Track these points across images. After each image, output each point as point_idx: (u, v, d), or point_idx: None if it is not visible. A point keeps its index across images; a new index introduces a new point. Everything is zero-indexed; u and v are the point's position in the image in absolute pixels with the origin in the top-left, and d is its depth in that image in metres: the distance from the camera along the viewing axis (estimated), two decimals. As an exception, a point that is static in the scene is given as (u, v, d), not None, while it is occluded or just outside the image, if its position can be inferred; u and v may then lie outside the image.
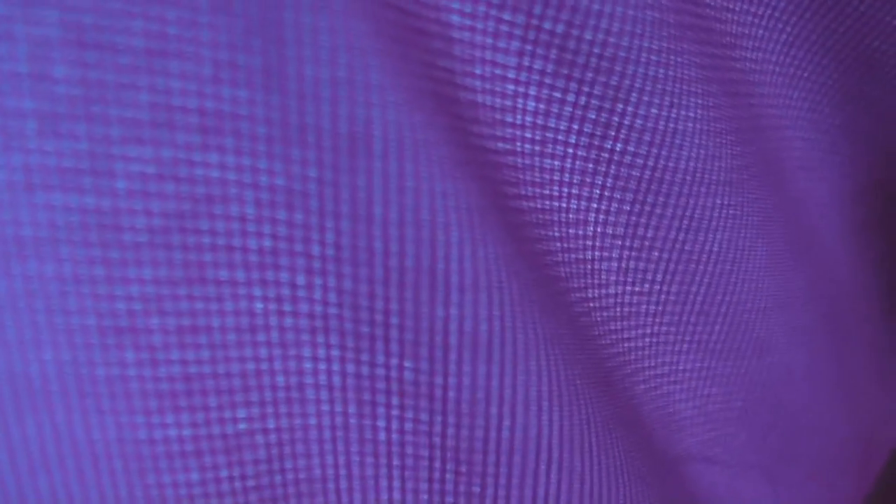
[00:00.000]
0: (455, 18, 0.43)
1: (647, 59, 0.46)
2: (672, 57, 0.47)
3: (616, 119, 0.47)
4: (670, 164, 0.49)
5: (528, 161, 0.46)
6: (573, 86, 0.46)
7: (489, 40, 0.43)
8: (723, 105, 0.51)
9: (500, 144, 0.45)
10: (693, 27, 0.49)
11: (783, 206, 0.58)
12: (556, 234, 0.48)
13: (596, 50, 0.45)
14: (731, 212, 0.53)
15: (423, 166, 0.39)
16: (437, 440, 0.43)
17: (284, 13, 0.36)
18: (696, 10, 0.49)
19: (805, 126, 0.60)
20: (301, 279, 0.39)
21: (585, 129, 0.47)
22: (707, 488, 0.60)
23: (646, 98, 0.47)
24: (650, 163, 0.49)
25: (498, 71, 0.44)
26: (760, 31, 0.55)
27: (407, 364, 0.42)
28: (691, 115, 0.49)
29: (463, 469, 0.44)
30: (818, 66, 0.59)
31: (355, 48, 0.37)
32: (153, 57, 0.35)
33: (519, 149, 0.46)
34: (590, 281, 0.50)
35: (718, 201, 0.52)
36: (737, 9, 0.53)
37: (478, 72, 0.44)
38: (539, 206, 0.47)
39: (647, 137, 0.48)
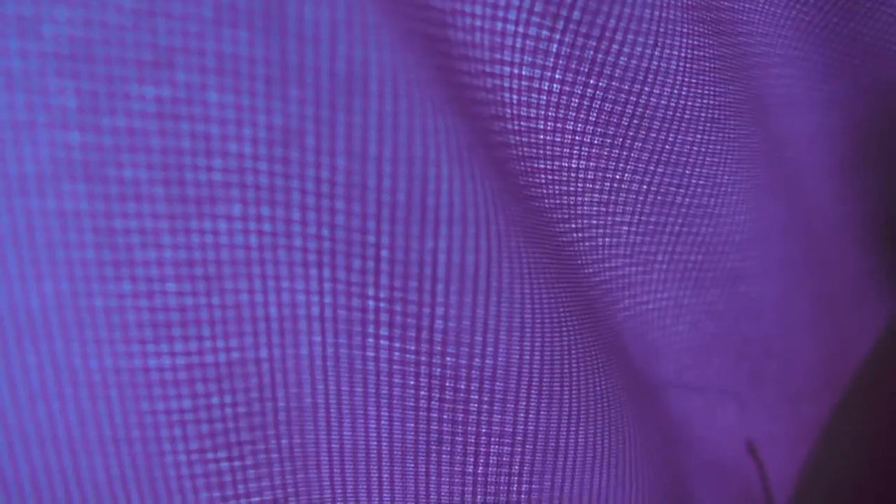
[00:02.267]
0: None
1: None
2: None
3: (602, 56, 0.48)
4: (652, 101, 0.50)
5: (516, 97, 0.47)
6: (561, 24, 0.46)
7: None
8: (709, 44, 0.52)
9: (490, 81, 0.46)
10: None
11: (767, 142, 0.59)
12: (542, 166, 0.49)
13: None
14: (711, 147, 0.54)
15: (415, 104, 0.40)
16: (423, 369, 0.45)
17: None
18: None
19: (791, 63, 0.60)
20: (296, 214, 0.40)
21: (572, 66, 0.47)
22: (683, 413, 0.62)
23: (631, 37, 0.48)
24: (633, 98, 0.50)
25: (488, 10, 0.45)
26: None
27: (396, 295, 0.43)
28: (675, 53, 0.49)
29: (448, 396, 0.45)
30: (804, 5, 0.59)
31: None
32: None
33: (507, 85, 0.46)
34: (574, 211, 0.51)
35: (700, 137, 0.53)
36: None
37: (468, 10, 0.44)
38: (526, 139, 0.48)
39: (631, 75, 0.49)
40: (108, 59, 0.35)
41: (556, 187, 0.50)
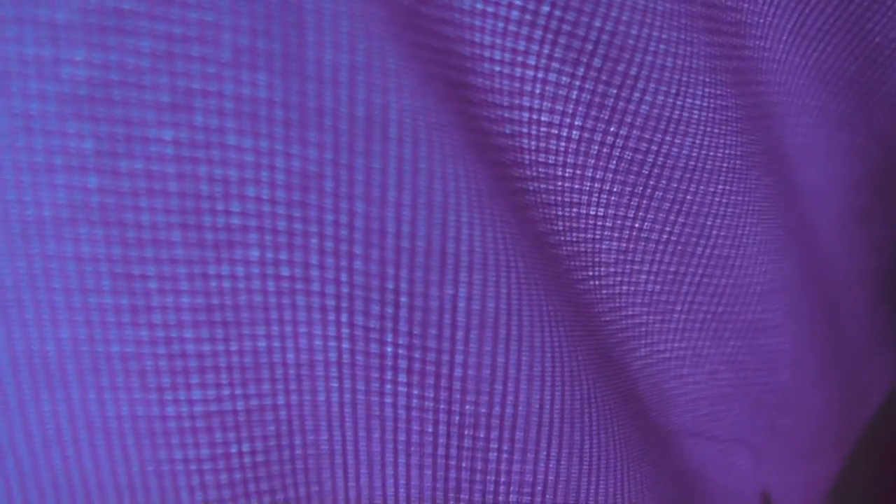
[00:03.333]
0: (467, 3, 0.43)
1: (655, 48, 0.47)
2: (682, 47, 0.48)
3: (623, 104, 0.48)
4: (674, 150, 0.50)
5: (536, 143, 0.47)
6: (581, 70, 0.46)
7: (500, 25, 0.44)
8: (731, 94, 0.52)
9: (510, 127, 0.45)
10: (705, 17, 0.49)
11: (784, 192, 0.59)
12: (562, 213, 0.48)
13: (605, 37, 0.46)
14: (732, 198, 0.54)
15: (435, 149, 0.40)
16: (442, 416, 0.44)
17: None
18: (709, 0, 0.50)
19: (808, 113, 0.60)
20: (314, 258, 0.40)
21: (592, 113, 0.47)
22: (698, 462, 0.61)
23: (653, 86, 0.48)
24: (654, 147, 0.49)
25: (508, 56, 0.44)
26: (768, 20, 0.55)
27: (415, 342, 0.42)
28: (697, 103, 0.49)
29: (467, 444, 0.45)
30: (822, 54, 0.59)
31: (372, 34, 0.38)
32: (174, 41, 0.35)
33: (527, 131, 0.46)
34: (593, 259, 0.51)
35: (721, 188, 0.53)
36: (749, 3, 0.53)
37: (488, 55, 0.44)
38: (545, 186, 0.47)
39: (652, 123, 0.49)
40: (126, 102, 0.35)
41: (575, 234, 0.50)
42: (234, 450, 0.40)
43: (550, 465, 0.47)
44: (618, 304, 0.53)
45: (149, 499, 0.39)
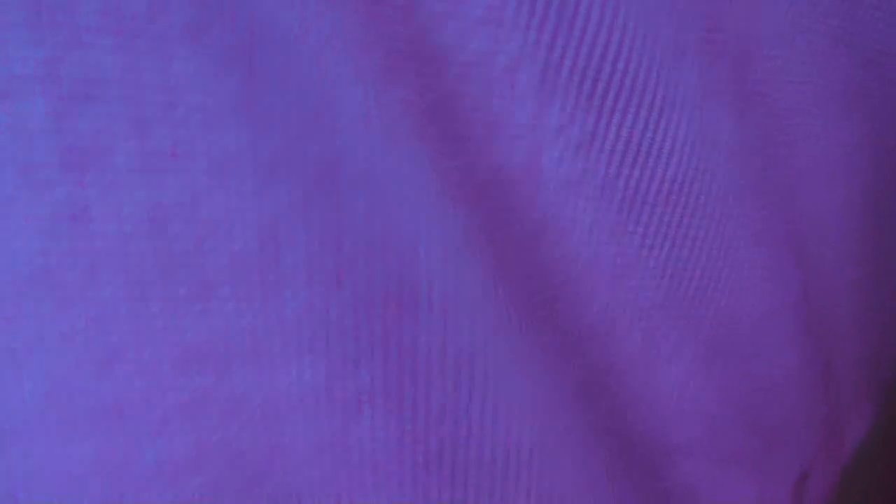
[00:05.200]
0: (448, 37, 0.42)
1: (634, 74, 0.46)
2: (664, 72, 0.47)
3: (602, 131, 0.47)
4: (657, 175, 0.49)
5: (517, 176, 0.46)
6: (559, 97, 0.45)
7: (481, 57, 0.43)
8: (728, 120, 0.51)
9: (492, 159, 0.45)
10: (699, 48, 0.48)
11: (790, 216, 0.58)
12: (545, 247, 0.48)
13: (581, 63, 0.45)
14: (727, 223, 0.53)
15: (396, 197, 0.39)
16: (412, 456, 0.44)
17: (258, 49, 0.36)
18: (707, 24, 0.49)
19: (818, 136, 0.59)
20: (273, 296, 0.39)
21: (572, 142, 0.46)
22: (690, 482, 0.61)
23: (632, 111, 0.47)
24: (636, 173, 0.49)
25: (486, 85, 0.44)
26: (776, 42, 0.54)
27: (384, 382, 0.42)
28: (682, 131, 0.48)
29: (434, 481, 0.45)
30: (832, 70, 0.58)
31: (327, 82, 0.37)
32: (126, 86, 0.34)
33: (508, 164, 0.45)
34: (579, 289, 0.50)
35: (710, 211, 0.52)
36: (754, 31, 0.52)
37: (465, 88, 0.43)
38: (529, 217, 0.47)
39: (633, 150, 0.48)
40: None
41: (561, 265, 0.49)
42: (196, 495, 0.40)
43: (532, 501, 0.47)
44: (606, 331, 0.53)
45: None
